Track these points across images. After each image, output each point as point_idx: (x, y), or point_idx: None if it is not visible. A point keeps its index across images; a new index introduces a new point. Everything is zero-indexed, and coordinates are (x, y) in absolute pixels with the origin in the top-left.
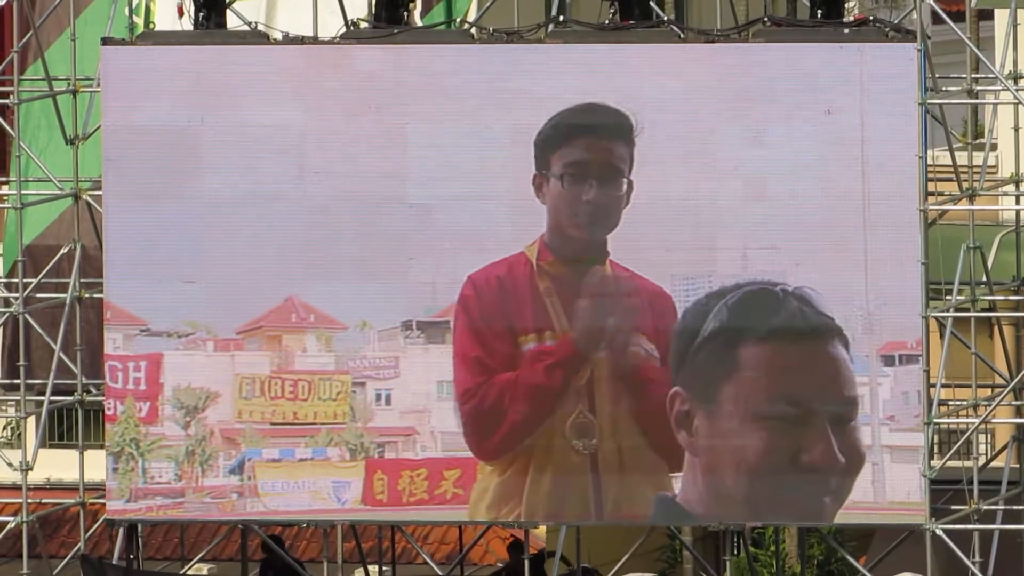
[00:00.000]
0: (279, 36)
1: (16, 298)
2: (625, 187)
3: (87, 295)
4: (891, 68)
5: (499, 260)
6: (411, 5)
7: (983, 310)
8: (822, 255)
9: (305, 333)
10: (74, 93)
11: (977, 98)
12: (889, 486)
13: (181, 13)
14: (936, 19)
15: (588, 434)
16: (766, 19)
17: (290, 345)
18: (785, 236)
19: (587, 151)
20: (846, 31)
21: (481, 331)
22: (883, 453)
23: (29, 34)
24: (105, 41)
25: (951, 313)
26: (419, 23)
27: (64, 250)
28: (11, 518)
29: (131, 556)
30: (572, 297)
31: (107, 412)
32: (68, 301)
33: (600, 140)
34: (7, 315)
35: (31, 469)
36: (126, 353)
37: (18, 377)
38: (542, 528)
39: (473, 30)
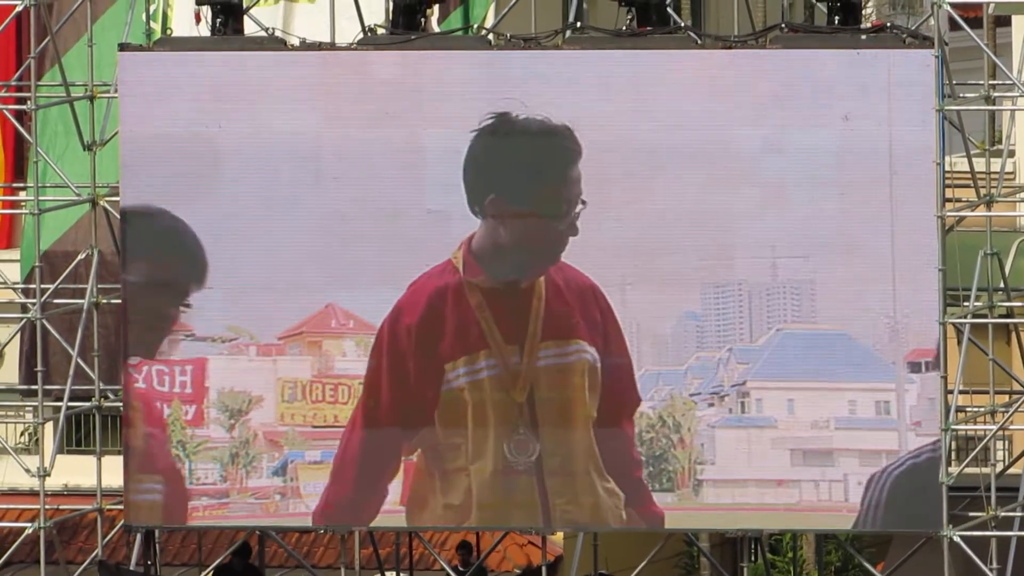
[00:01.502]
0: (296, 42)
1: (34, 304)
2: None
3: (104, 301)
4: (908, 74)
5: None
6: (428, 11)
7: (1000, 316)
8: (840, 261)
9: (344, 338)
10: (91, 99)
11: (995, 104)
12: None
13: (198, 19)
14: (953, 25)
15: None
16: (783, 25)
17: (330, 350)
18: (803, 243)
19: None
20: (863, 37)
21: None
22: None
23: (46, 40)
24: (122, 47)
25: (968, 319)
26: (436, 29)
27: (81, 256)
28: (29, 524)
29: (148, 562)
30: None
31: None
32: (85, 307)
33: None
34: (25, 321)
35: (49, 475)
36: (172, 358)
37: (36, 383)
38: (559, 535)
39: (491, 36)
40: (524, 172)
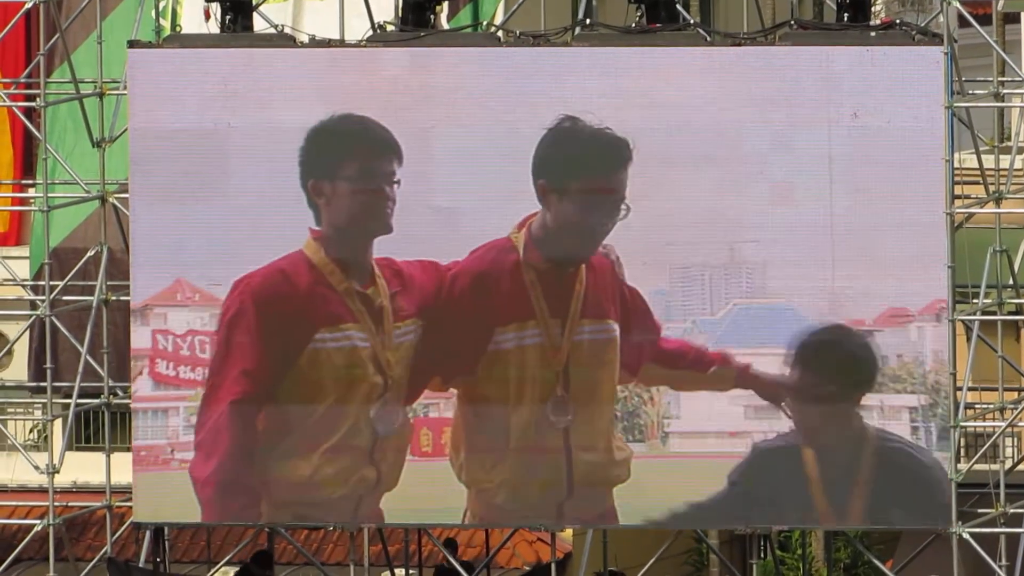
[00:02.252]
0: (305, 39)
1: (43, 301)
2: (624, 213)
3: (113, 298)
4: (918, 71)
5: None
6: (438, 8)
7: (1010, 313)
8: (850, 258)
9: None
10: (101, 96)
11: (1004, 101)
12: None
13: (208, 16)
14: (963, 22)
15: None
16: (793, 22)
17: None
18: (812, 239)
19: (597, 183)
20: (873, 34)
21: None
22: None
23: (56, 37)
24: (132, 44)
25: (978, 316)
26: (446, 26)
27: (91, 253)
28: (38, 521)
29: (158, 559)
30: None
31: (193, 377)
32: (95, 304)
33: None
34: (34, 318)
35: (58, 472)
36: (211, 329)
37: (45, 380)
38: (568, 531)
39: (500, 33)
40: (584, 168)
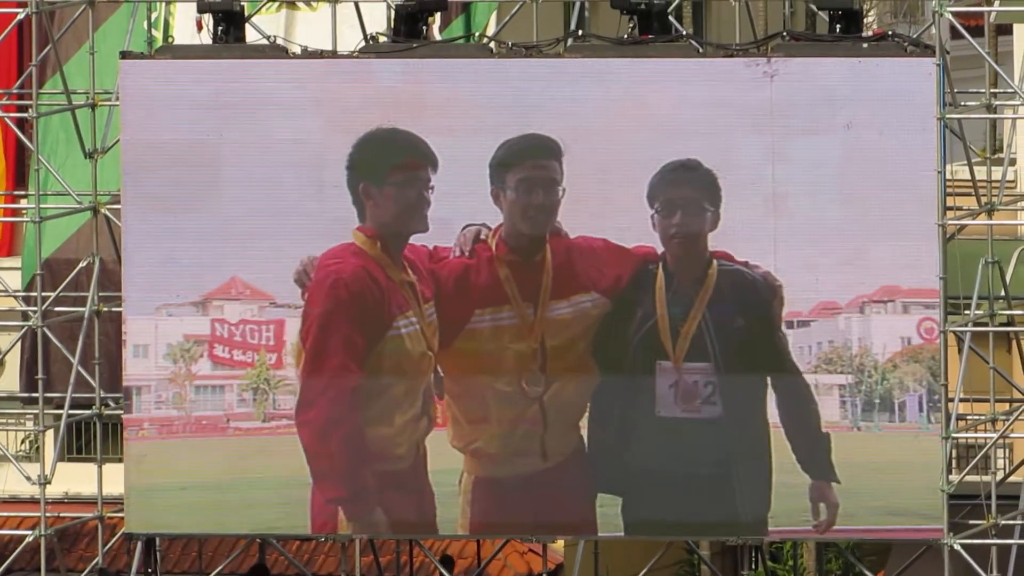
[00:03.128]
0: (298, 50)
1: (35, 312)
2: (560, 194)
3: (105, 309)
4: (910, 83)
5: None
6: (430, 19)
7: (1001, 325)
8: (841, 269)
9: None
10: (93, 107)
11: (996, 113)
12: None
13: (200, 27)
14: (955, 34)
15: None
16: (785, 33)
17: None
18: (804, 251)
19: (533, 169)
20: (865, 46)
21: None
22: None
23: (48, 48)
24: (124, 55)
25: (969, 328)
26: (438, 37)
27: (82, 264)
28: (29, 532)
29: (149, 570)
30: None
31: (244, 359)
32: (86, 315)
33: (541, 159)
34: (26, 329)
35: (49, 483)
36: (260, 319)
37: (37, 391)
38: (560, 543)
39: (492, 44)
40: (520, 159)
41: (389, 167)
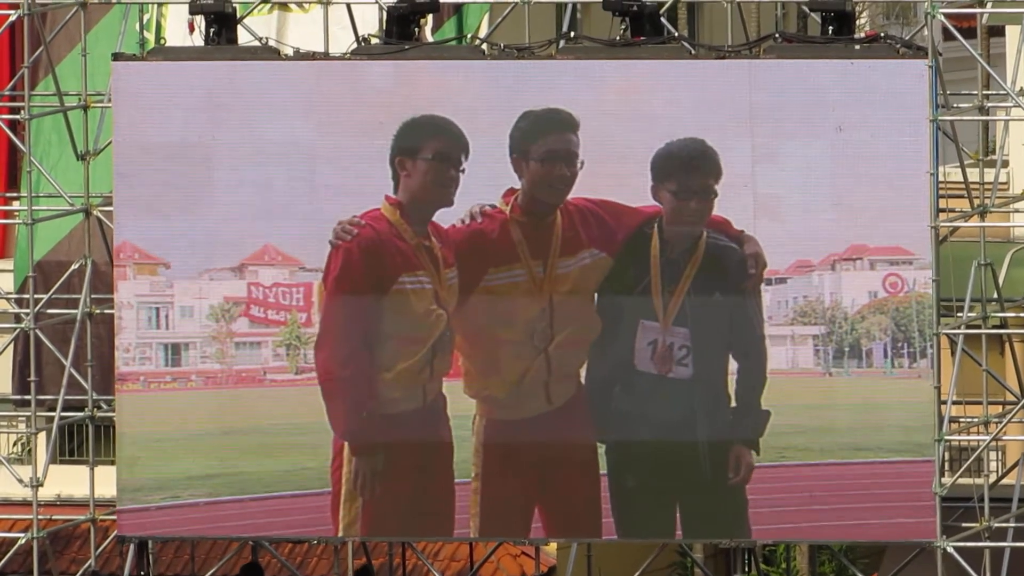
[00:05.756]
0: (290, 52)
1: (27, 314)
2: (580, 166)
3: (98, 311)
4: (902, 85)
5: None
6: (422, 21)
7: (994, 327)
8: (832, 271)
9: None
10: (85, 108)
11: (988, 115)
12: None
13: (192, 29)
14: (947, 36)
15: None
16: (777, 35)
17: None
18: (796, 252)
19: (556, 142)
20: (857, 48)
21: None
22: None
23: (40, 49)
24: (116, 57)
25: (962, 330)
26: (430, 39)
27: (75, 266)
28: (22, 534)
29: (142, 572)
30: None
31: (278, 318)
32: (79, 317)
33: (564, 132)
34: (18, 331)
35: (42, 485)
36: (291, 282)
37: (29, 393)
38: (552, 545)
39: (484, 46)
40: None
41: (424, 143)
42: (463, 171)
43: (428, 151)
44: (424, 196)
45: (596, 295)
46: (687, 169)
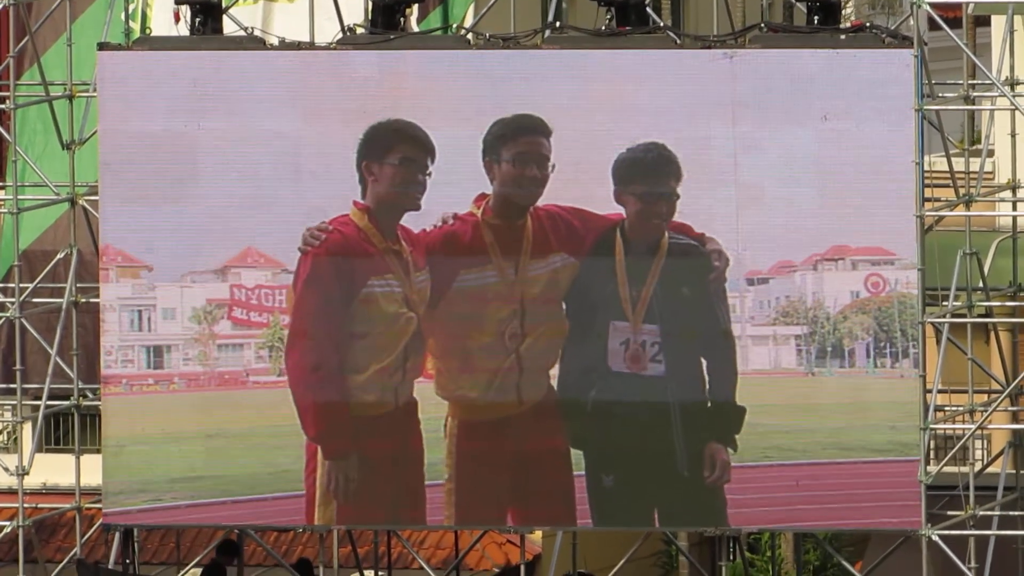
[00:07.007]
0: (275, 41)
1: (12, 303)
2: (551, 168)
3: (83, 300)
4: (888, 74)
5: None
6: (407, 11)
7: (979, 316)
8: (818, 260)
9: None
10: (70, 98)
11: (974, 104)
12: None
13: (177, 19)
14: (933, 25)
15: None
16: (762, 25)
17: None
18: (781, 242)
19: (527, 144)
20: (843, 37)
21: None
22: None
23: (25, 39)
24: (101, 46)
25: (948, 319)
26: (415, 28)
27: (60, 255)
28: (7, 523)
29: (127, 561)
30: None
31: (261, 320)
32: (64, 306)
33: (535, 136)
34: (3, 320)
35: (27, 474)
36: (274, 284)
37: (14, 382)
38: (538, 533)
39: (470, 36)
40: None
41: (391, 148)
42: (430, 175)
43: (395, 156)
44: (392, 200)
45: (566, 299)
46: (649, 173)
